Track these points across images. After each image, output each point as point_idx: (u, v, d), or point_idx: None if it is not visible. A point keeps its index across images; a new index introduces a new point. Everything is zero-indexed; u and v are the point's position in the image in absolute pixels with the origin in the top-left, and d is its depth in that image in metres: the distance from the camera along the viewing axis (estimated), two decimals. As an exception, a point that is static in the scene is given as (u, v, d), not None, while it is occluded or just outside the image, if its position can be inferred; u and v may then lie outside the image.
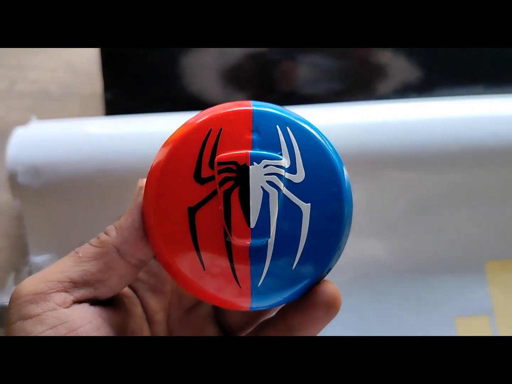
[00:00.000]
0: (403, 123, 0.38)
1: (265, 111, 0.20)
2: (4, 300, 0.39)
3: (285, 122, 0.20)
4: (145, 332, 0.24)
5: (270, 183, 0.19)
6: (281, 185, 0.19)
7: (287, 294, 0.20)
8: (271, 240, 0.19)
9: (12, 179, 0.37)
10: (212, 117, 0.19)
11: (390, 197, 0.38)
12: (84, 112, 0.46)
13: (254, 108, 0.20)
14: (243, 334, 0.24)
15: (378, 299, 0.38)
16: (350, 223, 0.20)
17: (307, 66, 0.44)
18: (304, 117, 0.21)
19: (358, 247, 0.38)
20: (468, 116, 0.38)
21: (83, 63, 0.48)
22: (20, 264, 0.40)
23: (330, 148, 0.20)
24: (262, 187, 0.19)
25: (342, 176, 0.20)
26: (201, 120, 0.20)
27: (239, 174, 0.19)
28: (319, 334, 0.22)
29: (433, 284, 0.38)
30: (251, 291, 0.19)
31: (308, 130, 0.20)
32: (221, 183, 0.19)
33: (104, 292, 0.20)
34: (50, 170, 0.37)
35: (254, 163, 0.19)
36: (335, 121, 0.38)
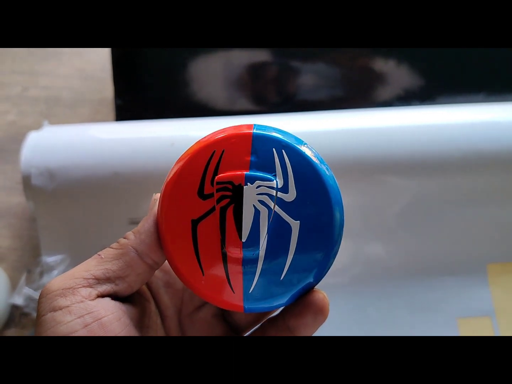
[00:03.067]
0: (403, 129, 0.39)
1: (264, 134, 0.22)
2: (16, 300, 0.40)
3: (281, 145, 0.22)
4: (158, 326, 0.25)
5: (262, 202, 0.21)
6: (272, 204, 0.21)
7: (276, 301, 0.22)
8: (261, 253, 0.21)
9: (26, 182, 0.38)
10: (216, 139, 0.22)
11: (392, 201, 0.39)
12: (95, 118, 0.47)
13: (255, 131, 0.22)
14: (249, 331, 0.26)
15: (380, 301, 0.39)
16: (340, 241, 0.22)
17: (309, 73, 0.45)
18: (303, 140, 0.22)
19: (360, 249, 0.39)
20: (467, 122, 0.39)
21: (94, 70, 0.49)
22: (32, 264, 0.41)
23: (324, 167, 0.22)
24: (254, 205, 0.21)
25: (333, 196, 0.21)
26: (207, 141, 0.22)
27: (234, 193, 0.21)
28: (323, 334, 0.23)
29: (435, 286, 0.39)
30: (243, 296, 0.22)
31: (303, 152, 0.22)
32: (218, 200, 0.21)
33: (124, 288, 0.23)
34: (63, 173, 0.38)
35: (248, 183, 0.21)
36: (334, 127, 0.39)
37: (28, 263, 0.42)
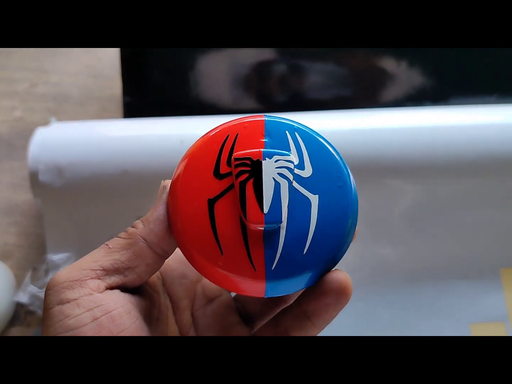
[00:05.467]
0: (415, 130, 0.38)
1: (275, 120, 0.23)
2: (21, 297, 0.39)
3: (294, 128, 0.22)
4: (169, 319, 0.25)
5: (281, 175, 0.21)
6: (291, 176, 0.21)
7: (299, 278, 0.21)
8: (283, 225, 0.21)
9: (33, 178, 0.38)
10: (229, 126, 0.22)
11: (404, 203, 0.39)
12: (103, 115, 0.47)
13: (266, 118, 0.22)
14: (263, 323, 0.26)
15: (391, 304, 0.39)
16: (356, 215, 0.22)
17: (317, 72, 0.44)
18: (310, 127, 0.23)
19: (369, 251, 0.39)
20: (480, 123, 0.39)
21: (103, 67, 0.49)
22: (37, 262, 0.40)
23: (334, 150, 0.22)
24: (274, 178, 0.21)
25: (346, 173, 0.22)
26: (220, 128, 0.23)
27: (253, 167, 0.21)
28: (332, 334, 0.23)
29: (447, 290, 0.39)
30: (265, 274, 0.21)
31: (313, 135, 0.22)
32: (237, 175, 0.21)
33: (133, 279, 0.22)
34: (71, 170, 0.38)
35: (266, 158, 0.21)
36: (342, 127, 0.39)
37: (34, 261, 0.41)
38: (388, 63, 0.44)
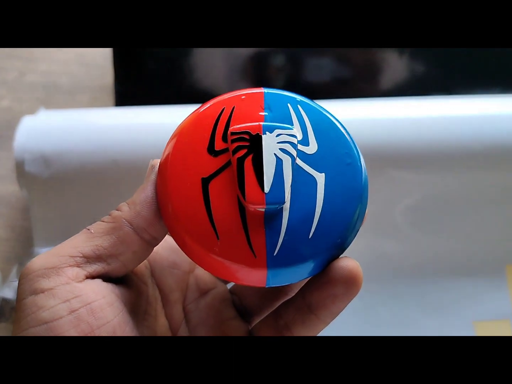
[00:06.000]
0: (418, 121, 0.37)
1: (276, 93, 0.21)
2: (6, 293, 0.38)
3: (296, 101, 0.20)
4: (158, 312, 0.23)
5: (283, 150, 0.19)
6: (294, 152, 0.19)
7: (304, 266, 0.19)
8: (285, 206, 0.19)
9: (19, 168, 0.36)
10: (225, 99, 0.20)
11: (406, 197, 0.37)
12: (94, 105, 0.45)
13: (266, 91, 0.20)
14: (261, 317, 0.24)
15: (392, 301, 0.37)
16: (367, 196, 0.20)
17: (316, 60, 0.43)
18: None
19: (371, 246, 0.37)
20: (488, 114, 0.37)
21: (94, 56, 0.48)
22: (23, 256, 0.39)
23: (340, 125, 0.20)
24: (275, 154, 0.19)
25: (355, 149, 0.20)
26: (214, 101, 0.20)
27: (252, 142, 0.19)
28: (331, 334, 0.21)
29: (450, 287, 0.37)
30: (266, 261, 0.19)
31: (318, 109, 0.21)
32: (234, 151, 0.19)
33: (117, 268, 0.20)
34: (59, 159, 0.36)
35: (267, 132, 0.19)
36: (344, 116, 0.37)
37: (20, 255, 0.39)
38: (390, 54, 0.43)
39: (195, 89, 0.43)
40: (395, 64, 0.43)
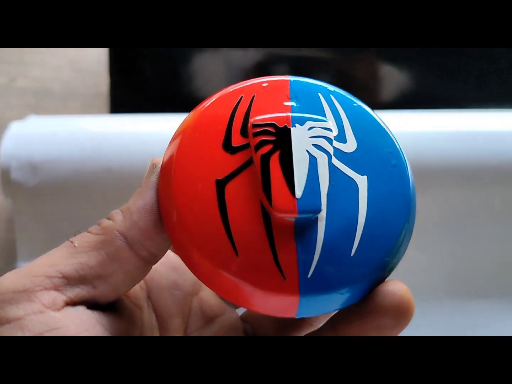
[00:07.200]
0: (447, 135, 0.35)
1: (304, 81, 0.18)
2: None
3: (328, 91, 0.17)
4: None
5: (317, 146, 0.16)
6: (331, 149, 0.16)
7: (345, 291, 0.16)
8: (321, 215, 0.16)
9: (5, 176, 0.34)
10: (242, 86, 0.17)
11: (443, 213, 0.35)
12: (87, 112, 0.44)
13: (292, 78, 0.18)
14: None
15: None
16: (415, 203, 0.17)
17: (317, 66, 0.42)
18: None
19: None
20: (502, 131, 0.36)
21: (88, 62, 0.46)
22: (6, 271, 0.36)
23: (380, 120, 0.18)
24: (307, 150, 0.16)
25: (400, 148, 0.17)
26: (230, 89, 0.17)
27: (279, 136, 0.16)
28: None
29: (464, 309, 0.35)
30: (299, 285, 0.15)
31: (354, 100, 0.18)
32: (257, 147, 0.16)
33: (105, 292, 0.16)
34: (48, 167, 0.34)
35: (296, 124, 0.16)
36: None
37: (3, 270, 0.37)
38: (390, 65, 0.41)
39: (193, 96, 0.41)
40: (396, 75, 0.41)
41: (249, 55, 0.41)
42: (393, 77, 0.42)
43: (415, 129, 0.36)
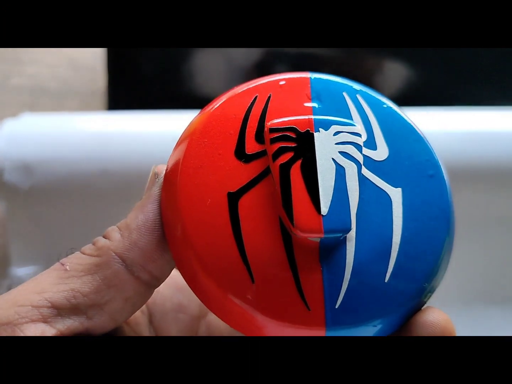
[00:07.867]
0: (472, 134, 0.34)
1: (326, 79, 0.16)
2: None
3: (354, 90, 0.16)
4: None
5: (345, 154, 0.14)
6: (360, 157, 0.14)
7: (378, 322, 0.14)
8: (351, 234, 0.14)
9: (-3, 177, 0.33)
10: (257, 85, 0.16)
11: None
12: (84, 111, 0.42)
13: (313, 76, 0.16)
14: None
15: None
16: (454, 220, 0.15)
17: (320, 63, 0.41)
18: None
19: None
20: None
21: (86, 59, 0.45)
22: (-1, 277, 0.35)
23: (413, 123, 0.16)
24: (333, 159, 0.14)
25: (436, 156, 0.15)
26: (242, 88, 0.16)
27: (300, 143, 0.14)
28: None
29: (478, 318, 0.34)
30: (325, 317, 0.13)
31: (382, 100, 0.16)
32: (275, 155, 0.14)
33: (101, 322, 0.15)
34: (43, 168, 0.33)
35: (320, 129, 0.14)
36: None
37: (-4, 276, 0.36)
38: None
39: (193, 93, 0.40)
40: (399, 72, 0.40)
41: (248, 52, 0.40)
42: (396, 74, 0.40)
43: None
